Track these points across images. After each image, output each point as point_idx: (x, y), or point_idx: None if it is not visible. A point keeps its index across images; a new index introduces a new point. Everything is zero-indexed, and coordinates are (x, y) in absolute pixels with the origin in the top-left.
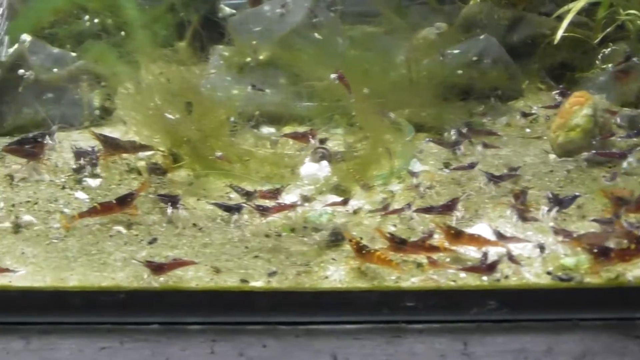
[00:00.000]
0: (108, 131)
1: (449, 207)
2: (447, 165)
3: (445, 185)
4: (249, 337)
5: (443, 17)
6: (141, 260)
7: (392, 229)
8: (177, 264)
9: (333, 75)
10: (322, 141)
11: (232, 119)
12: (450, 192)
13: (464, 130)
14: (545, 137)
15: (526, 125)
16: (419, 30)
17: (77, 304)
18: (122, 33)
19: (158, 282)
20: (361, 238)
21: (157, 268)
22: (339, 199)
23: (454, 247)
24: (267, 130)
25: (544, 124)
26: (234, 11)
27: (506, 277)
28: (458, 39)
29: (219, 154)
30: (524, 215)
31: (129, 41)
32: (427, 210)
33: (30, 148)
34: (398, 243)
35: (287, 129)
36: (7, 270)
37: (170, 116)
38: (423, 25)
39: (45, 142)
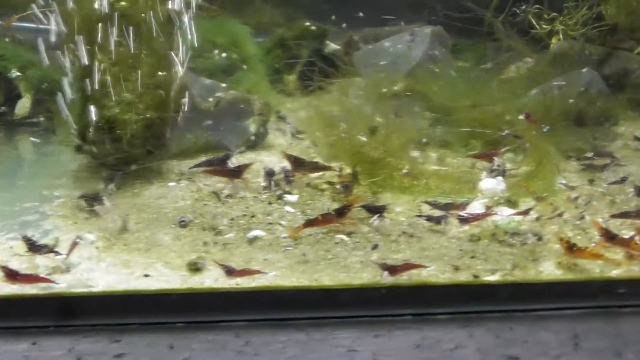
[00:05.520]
0: (265, 154)
1: None
2: (591, 181)
3: (598, 198)
4: (494, 322)
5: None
6: (377, 261)
7: (570, 233)
8: (409, 266)
9: (521, 116)
10: None
11: (424, 140)
12: (606, 204)
13: (599, 152)
14: None
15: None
16: (507, 64)
17: (343, 299)
18: (245, 67)
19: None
20: (570, 238)
21: (391, 269)
22: (510, 210)
23: None
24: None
25: None
26: (338, 47)
27: None
28: (551, 72)
29: (406, 170)
30: None
31: (252, 74)
32: (622, 214)
33: (234, 168)
34: (610, 237)
35: (433, 153)
36: (259, 272)
37: (362, 138)
38: (506, 59)
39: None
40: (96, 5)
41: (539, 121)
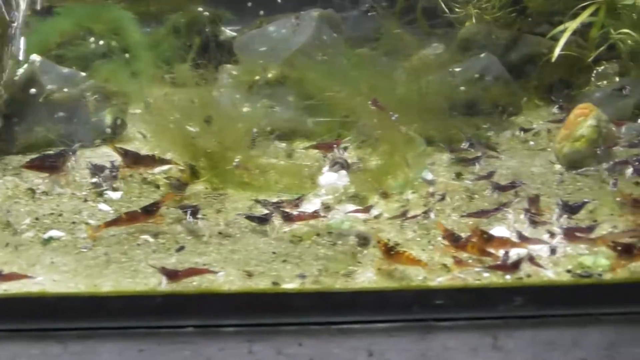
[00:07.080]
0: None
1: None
2: (458, 175)
3: (458, 194)
4: (284, 336)
5: (436, 40)
6: (157, 266)
7: (411, 233)
8: (193, 271)
9: (370, 102)
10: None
11: (254, 130)
12: (464, 201)
13: (473, 144)
14: (549, 150)
15: (530, 138)
16: (416, 51)
17: (114, 308)
18: (127, 55)
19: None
20: (388, 240)
21: (171, 274)
22: (356, 207)
23: (486, 249)
24: (278, 145)
25: (546, 137)
26: (234, 34)
27: (529, 275)
28: (457, 58)
29: (237, 161)
30: (536, 220)
31: (134, 62)
32: (476, 214)
33: (51, 162)
34: (454, 239)
35: (297, 144)
36: (25, 276)
37: (191, 129)
38: (419, 47)
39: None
40: None
41: (388, 108)
